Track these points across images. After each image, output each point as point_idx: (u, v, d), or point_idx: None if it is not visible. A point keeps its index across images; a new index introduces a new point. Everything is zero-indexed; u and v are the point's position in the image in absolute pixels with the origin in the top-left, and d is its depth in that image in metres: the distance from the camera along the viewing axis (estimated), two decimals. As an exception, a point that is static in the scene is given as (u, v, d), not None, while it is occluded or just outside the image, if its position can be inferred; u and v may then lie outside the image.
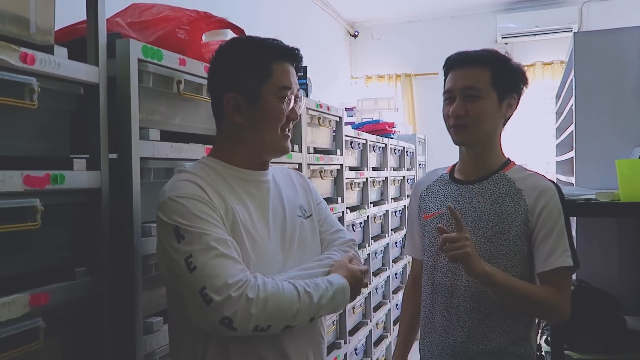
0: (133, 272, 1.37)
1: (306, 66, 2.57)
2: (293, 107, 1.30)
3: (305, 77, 2.65)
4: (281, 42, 1.32)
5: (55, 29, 1.28)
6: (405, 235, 1.78)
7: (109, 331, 1.33)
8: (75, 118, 1.31)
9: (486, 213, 1.48)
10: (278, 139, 1.30)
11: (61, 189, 1.20)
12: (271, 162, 1.40)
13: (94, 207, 1.32)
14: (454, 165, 1.64)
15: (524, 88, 1.54)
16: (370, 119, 4.33)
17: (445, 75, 1.55)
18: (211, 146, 1.65)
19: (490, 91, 1.47)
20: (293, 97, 1.30)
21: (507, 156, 1.58)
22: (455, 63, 1.52)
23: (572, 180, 2.81)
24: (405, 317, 1.76)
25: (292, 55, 1.31)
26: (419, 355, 1.62)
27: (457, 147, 1.59)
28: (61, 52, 1.23)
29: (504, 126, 1.57)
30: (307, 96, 2.65)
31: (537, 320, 1.51)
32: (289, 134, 1.33)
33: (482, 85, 1.47)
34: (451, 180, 1.60)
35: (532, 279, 1.49)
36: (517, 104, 1.55)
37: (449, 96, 1.51)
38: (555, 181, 1.53)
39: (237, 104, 1.26)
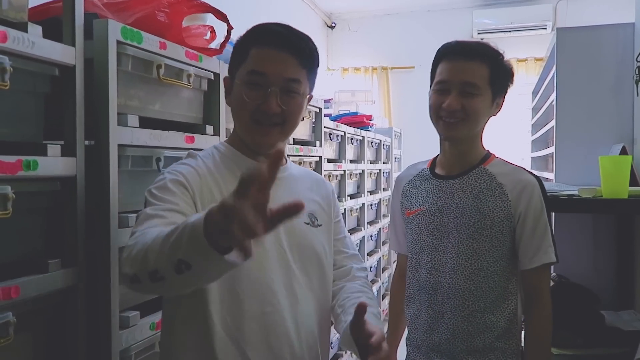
0: (109, 264, 1.32)
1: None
2: (267, 99, 1.16)
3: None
4: (284, 27, 1.21)
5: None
6: (389, 231, 1.75)
7: (84, 326, 1.28)
8: (50, 101, 1.25)
9: (468, 209, 1.46)
10: (246, 127, 1.21)
11: (34, 176, 1.14)
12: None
13: (68, 195, 1.26)
14: (434, 158, 1.61)
15: (510, 87, 1.52)
16: (347, 111, 4.30)
17: (437, 62, 1.49)
18: (191, 134, 1.62)
19: (487, 89, 1.44)
20: (273, 90, 1.16)
21: (486, 149, 1.55)
22: (454, 52, 1.46)
23: (547, 175, 2.84)
24: (393, 313, 1.74)
25: (275, 37, 1.18)
26: (406, 351, 1.60)
27: (433, 141, 1.56)
28: (35, 30, 1.17)
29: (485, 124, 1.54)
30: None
31: (518, 315, 1.50)
32: (271, 127, 1.19)
33: (481, 82, 1.42)
34: (432, 175, 1.57)
35: (514, 273, 1.48)
36: (503, 103, 1.53)
37: (442, 87, 1.45)
38: (535, 174, 1.53)
39: (228, 86, 1.25)
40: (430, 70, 1.53)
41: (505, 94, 1.51)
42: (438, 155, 1.59)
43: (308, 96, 1.26)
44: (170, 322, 1.20)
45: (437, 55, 1.50)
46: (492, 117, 1.54)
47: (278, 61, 1.17)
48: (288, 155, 2.38)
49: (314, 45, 1.24)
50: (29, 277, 1.14)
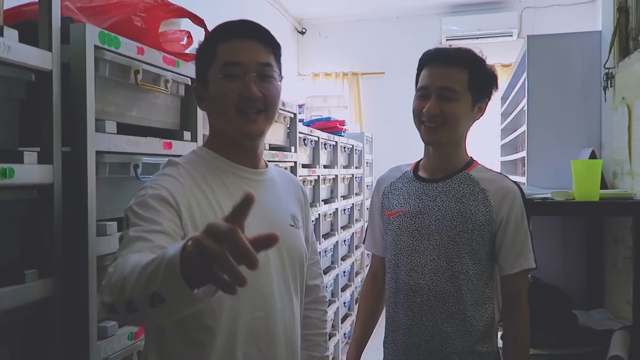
0: (87, 273, 1.28)
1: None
2: (248, 86, 1.16)
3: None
4: (244, 20, 1.22)
5: None
6: (366, 230, 1.76)
7: (61, 337, 1.24)
8: (26, 107, 1.21)
9: (450, 212, 1.48)
10: (232, 120, 1.18)
11: (10, 184, 1.10)
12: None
13: (45, 203, 1.22)
14: (418, 162, 1.63)
15: (494, 92, 1.54)
16: (320, 116, 4.31)
17: (420, 69, 1.52)
18: (169, 141, 1.60)
19: (466, 94, 1.46)
20: (251, 76, 1.16)
21: (470, 155, 1.58)
22: (433, 59, 1.49)
23: (518, 179, 2.90)
24: (361, 314, 1.73)
25: (238, 30, 1.20)
26: (383, 354, 1.61)
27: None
28: (11, 34, 1.13)
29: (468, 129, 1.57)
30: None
31: (496, 319, 1.53)
32: (257, 114, 1.19)
33: (459, 87, 1.45)
34: (415, 177, 1.59)
35: (491, 278, 1.51)
36: (486, 108, 1.55)
37: (423, 93, 1.49)
38: (516, 181, 1.56)
39: (200, 92, 1.24)
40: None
41: (488, 99, 1.53)
42: (422, 158, 1.61)
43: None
44: (157, 332, 1.15)
45: (420, 63, 1.53)
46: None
47: (248, 49, 1.19)
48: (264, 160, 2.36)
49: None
50: (5, 288, 1.10)
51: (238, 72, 1.17)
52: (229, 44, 1.18)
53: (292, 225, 1.29)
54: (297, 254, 1.28)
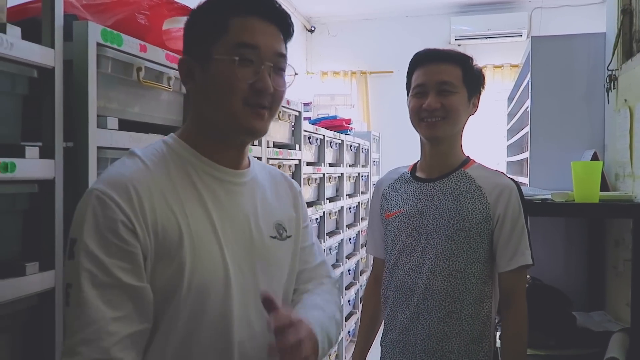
0: (87, 267, 1.30)
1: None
2: (262, 76, 0.99)
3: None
4: None
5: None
6: (367, 234, 1.78)
7: (61, 328, 1.26)
8: (28, 103, 1.23)
9: (447, 210, 1.49)
10: (237, 113, 0.99)
11: (12, 178, 1.12)
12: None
13: (46, 198, 1.24)
14: (416, 163, 1.65)
15: (483, 89, 1.59)
16: (327, 115, 4.33)
17: (411, 70, 1.56)
18: (171, 137, 1.62)
19: (462, 88, 1.51)
20: (267, 66, 1.00)
21: (466, 154, 1.60)
22: (426, 59, 1.53)
23: (522, 180, 2.90)
24: (365, 316, 1.75)
25: (259, 6, 1.01)
26: (380, 352, 1.62)
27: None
28: (14, 31, 1.15)
29: (464, 125, 1.59)
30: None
31: (492, 318, 1.54)
32: (263, 110, 1.02)
33: (455, 80, 1.50)
34: (412, 178, 1.61)
35: (491, 276, 1.51)
36: (479, 104, 1.59)
37: (420, 90, 1.52)
38: (513, 178, 1.57)
39: (190, 69, 1.03)
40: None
41: (479, 95, 1.57)
42: (419, 160, 1.63)
43: None
44: None
45: (411, 65, 1.56)
46: (469, 122, 1.59)
47: (268, 33, 1.01)
48: (267, 158, 2.39)
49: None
50: (5, 280, 1.12)
51: (254, 57, 0.99)
52: (247, 20, 1.00)
53: (275, 237, 1.10)
54: (276, 272, 1.10)
